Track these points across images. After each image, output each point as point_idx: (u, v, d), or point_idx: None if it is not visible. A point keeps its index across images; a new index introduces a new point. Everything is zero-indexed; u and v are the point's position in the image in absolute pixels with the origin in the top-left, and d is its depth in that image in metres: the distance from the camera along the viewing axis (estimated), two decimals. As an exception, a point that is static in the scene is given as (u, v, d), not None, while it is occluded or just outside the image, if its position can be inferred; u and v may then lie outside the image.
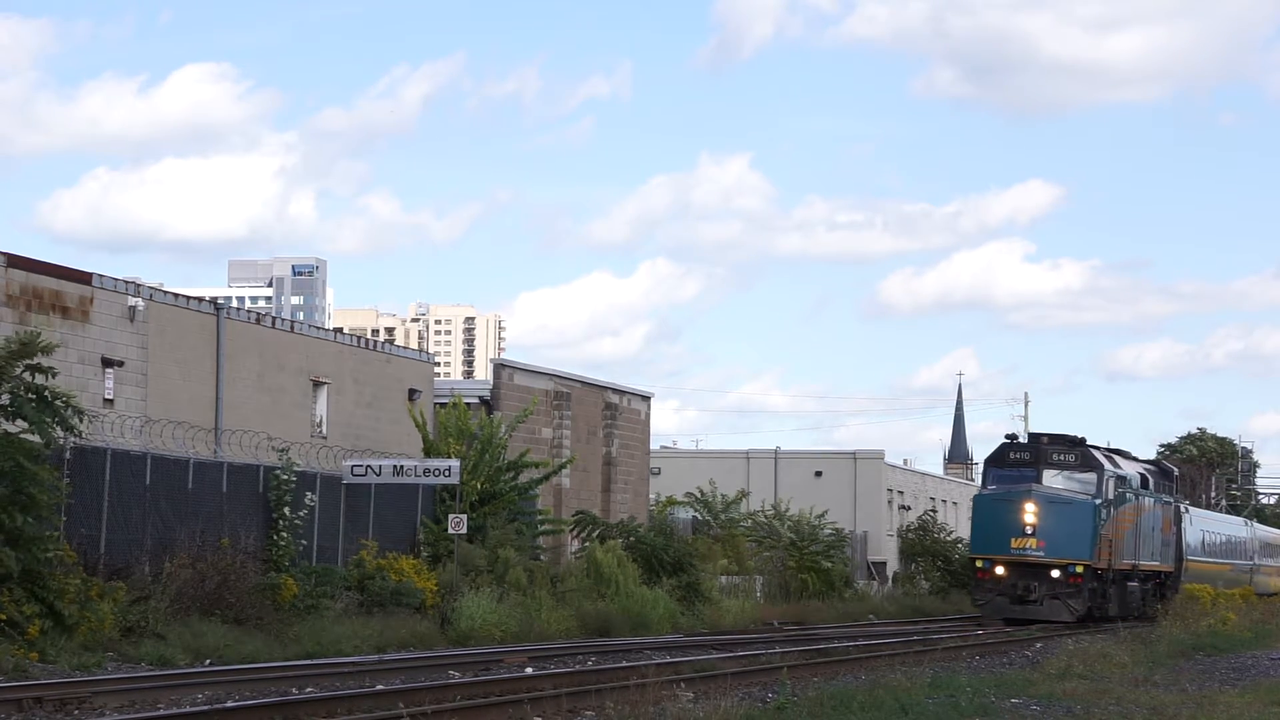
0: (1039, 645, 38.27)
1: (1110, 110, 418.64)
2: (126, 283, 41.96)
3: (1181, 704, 23.26)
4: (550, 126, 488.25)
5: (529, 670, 26.52)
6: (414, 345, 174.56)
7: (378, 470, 40.66)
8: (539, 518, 48.77)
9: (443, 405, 48.48)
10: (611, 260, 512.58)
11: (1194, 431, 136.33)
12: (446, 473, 40.56)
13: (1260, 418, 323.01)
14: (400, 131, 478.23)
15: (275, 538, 37.21)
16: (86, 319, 39.71)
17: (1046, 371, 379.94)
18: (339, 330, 57.27)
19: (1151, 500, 58.60)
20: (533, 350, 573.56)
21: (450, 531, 40.59)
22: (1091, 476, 52.11)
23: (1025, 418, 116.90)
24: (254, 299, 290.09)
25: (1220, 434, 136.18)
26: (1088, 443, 53.50)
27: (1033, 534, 50.74)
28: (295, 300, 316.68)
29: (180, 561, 32.80)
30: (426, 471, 40.87)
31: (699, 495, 66.73)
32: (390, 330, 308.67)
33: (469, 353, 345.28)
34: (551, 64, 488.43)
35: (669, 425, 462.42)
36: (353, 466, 40.77)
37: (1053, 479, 52.06)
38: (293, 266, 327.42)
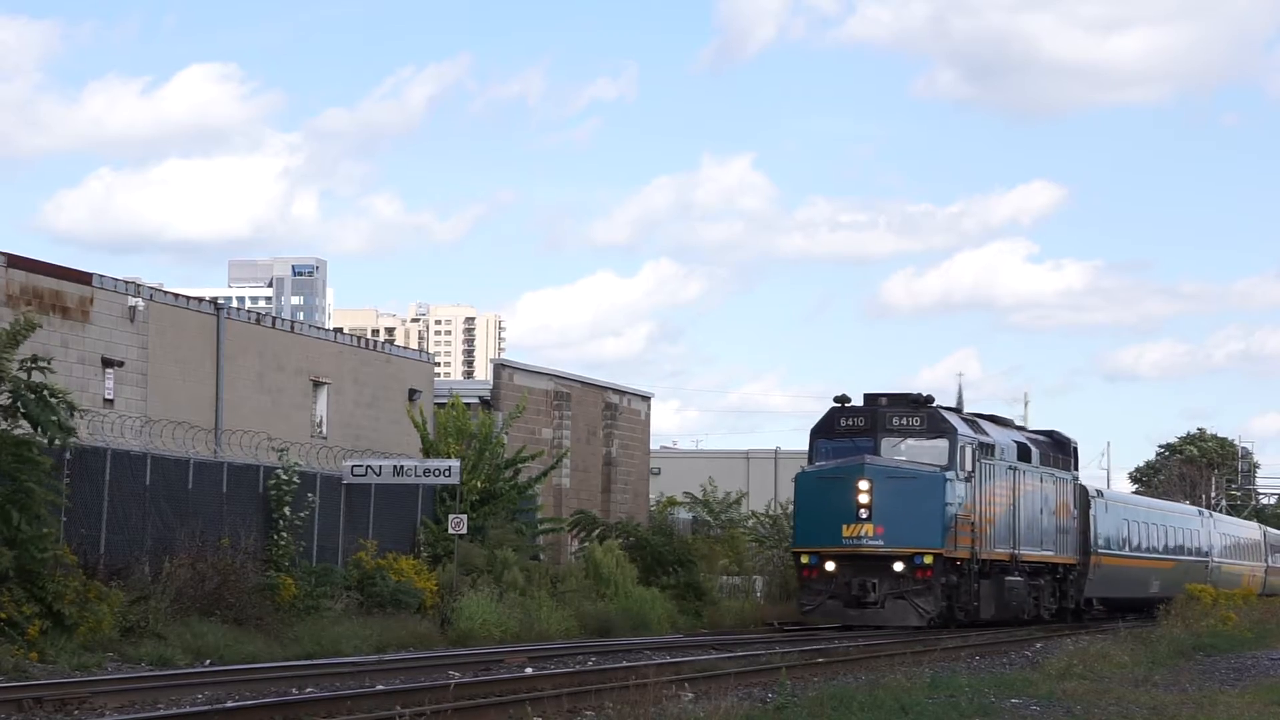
0: (1039, 645, 38.27)
1: (1112, 111, 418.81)
2: (126, 283, 41.95)
3: (1182, 704, 23.25)
4: (555, 128, 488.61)
5: (529, 670, 26.53)
6: (414, 345, 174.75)
7: (378, 470, 40.67)
8: (538, 517, 48.75)
9: (442, 405, 48.48)
10: (615, 260, 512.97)
11: (1194, 432, 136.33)
12: (446, 473, 40.57)
13: (1261, 418, 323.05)
14: (404, 132, 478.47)
15: (275, 538, 37.20)
16: (86, 319, 39.70)
17: (1047, 372, 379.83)
18: (339, 330, 57.27)
19: (1038, 476, 49.78)
20: (535, 350, 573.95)
21: (450, 531, 40.58)
22: (942, 444, 43.09)
23: (1025, 417, 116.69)
24: (254, 299, 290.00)
25: (1221, 434, 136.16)
26: (937, 403, 44.66)
27: (868, 518, 41.90)
28: (295, 300, 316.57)
29: (180, 562, 32.79)
30: (426, 472, 40.89)
31: (699, 495, 66.75)
32: (390, 330, 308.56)
33: (469, 353, 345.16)
34: (556, 66, 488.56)
35: (669, 425, 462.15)
36: (353, 466, 40.77)
37: (893, 449, 43.15)
38: (293, 267, 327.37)
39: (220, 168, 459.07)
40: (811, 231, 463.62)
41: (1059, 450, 53.09)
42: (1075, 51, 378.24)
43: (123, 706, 20.89)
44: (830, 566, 42.31)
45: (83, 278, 39.97)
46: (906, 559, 41.97)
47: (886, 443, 43.16)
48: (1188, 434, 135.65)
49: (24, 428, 28.68)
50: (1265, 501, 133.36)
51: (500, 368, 56.56)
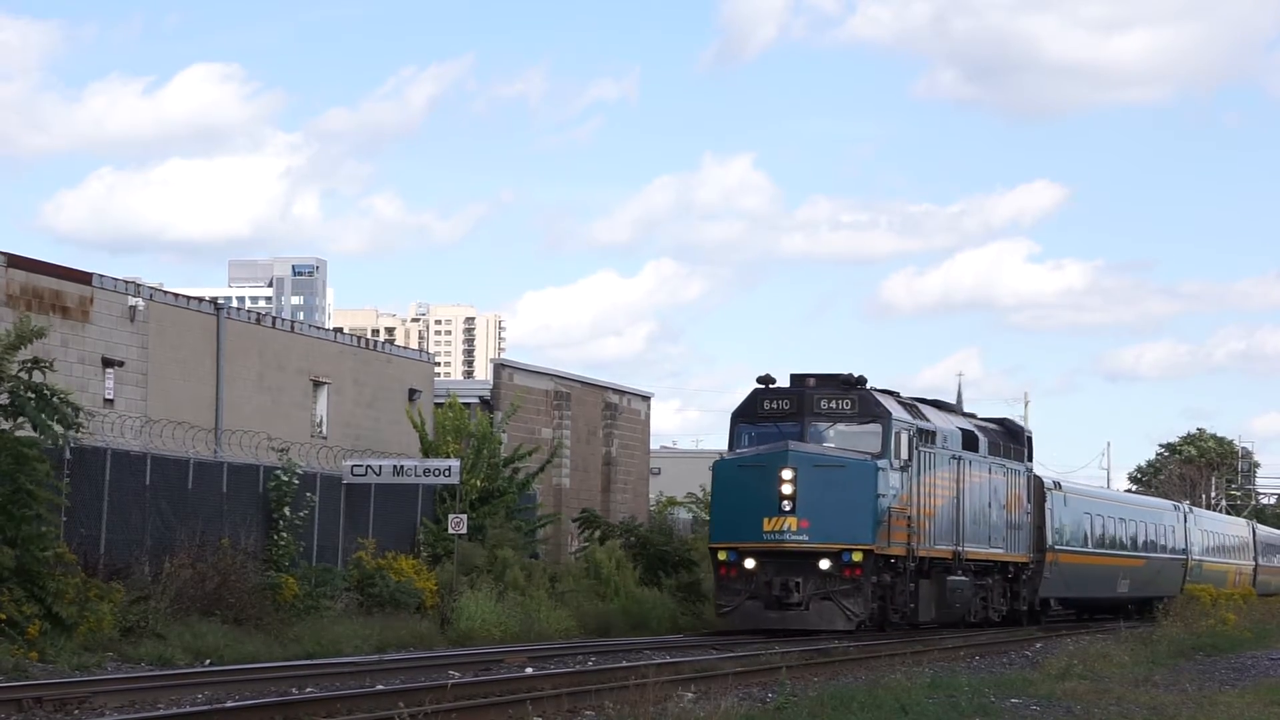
0: (1039, 645, 38.29)
1: (1113, 111, 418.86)
2: (126, 283, 41.95)
3: (1181, 704, 23.26)
4: (556, 128, 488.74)
5: (529, 670, 26.53)
6: (414, 345, 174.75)
7: (378, 470, 40.69)
8: (537, 516, 48.73)
9: (442, 405, 48.49)
10: (616, 260, 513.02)
11: (1194, 432, 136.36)
12: (446, 472, 40.59)
13: (1261, 418, 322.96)
14: (406, 132, 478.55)
15: (275, 538, 37.21)
16: (86, 319, 39.69)
17: (1048, 372, 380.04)
18: (339, 330, 57.27)
19: (986, 467, 45.73)
20: (536, 350, 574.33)
21: (450, 531, 40.58)
22: (874, 429, 39.16)
23: (1025, 417, 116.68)
24: (254, 299, 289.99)
25: (1220, 434, 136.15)
26: (870, 385, 40.35)
27: (791, 511, 37.80)
28: (295, 300, 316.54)
29: (180, 561, 32.80)
30: (426, 471, 40.91)
31: (699, 495, 66.75)
32: (390, 330, 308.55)
33: (469, 353, 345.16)
34: (558, 66, 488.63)
35: (669, 425, 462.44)
36: (353, 466, 40.78)
37: (821, 434, 39.12)
38: (293, 266, 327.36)
39: (221, 168, 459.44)
40: (812, 231, 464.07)
41: (1011, 439, 49.18)
42: (1076, 51, 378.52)
43: (123, 706, 20.89)
44: (750, 564, 38.13)
45: (83, 277, 39.97)
46: (833, 556, 37.88)
47: (814, 428, 38.97)
48: (1187, 434, 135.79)
49: (25, 428, 28.68)
50: (1265, 501, 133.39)
51: (500, 368, 56.56)
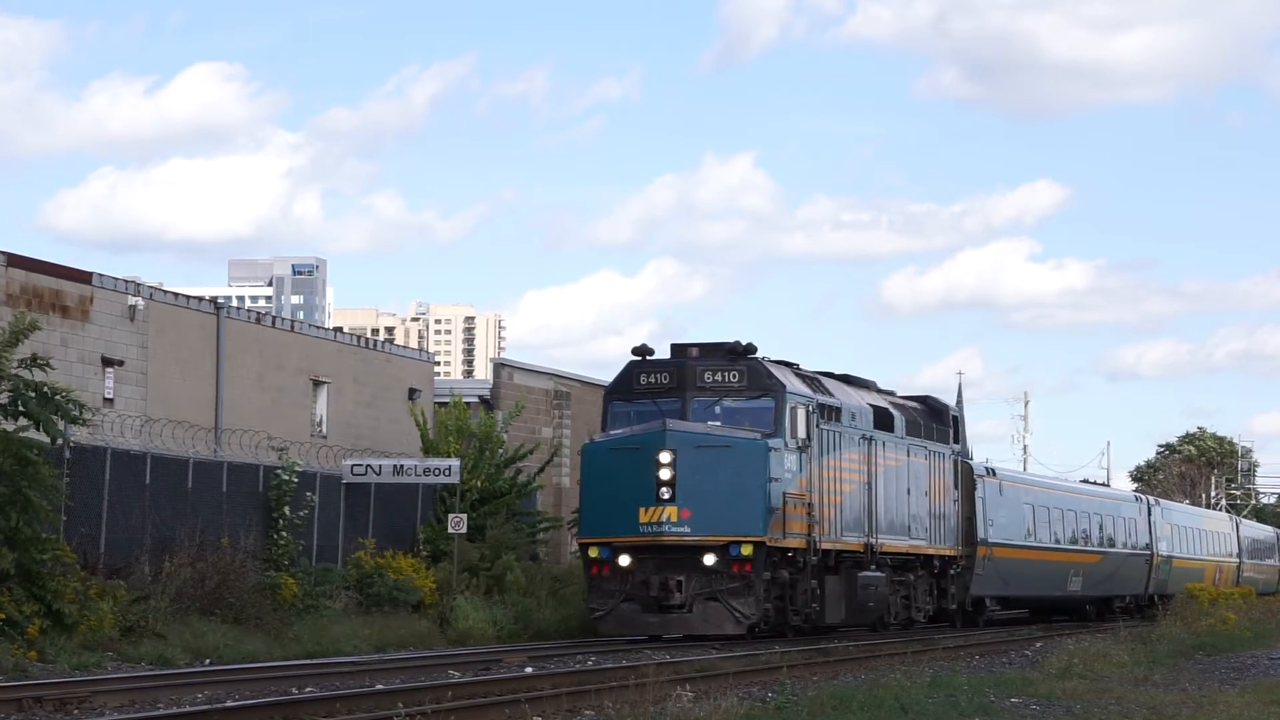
0: (1039, 645, 38.27)
1: (1115, 111, 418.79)
2: (126, 282, 41.96)
3: (1181, 704, 23.25)
4: (558, 127, 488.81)
5: (529, 670, 26.52)
6: (414, 345, 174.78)
7: (378, 470, 40.70)
8: (537, 517, 48.73)
9: (443, 405, 48.49)
10: (617, 260, 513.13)
11: (1194, 431, 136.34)
12: (446, 472, 40.59)
13: (1262, 417, 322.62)
14: (407, 131, 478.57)
15: (275, 537, 37.23)
16: (86, 318, 39.70)
17: (1049, 371, 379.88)
18: (339, 330, 57.28)
19: (904, 449, 41.24)
20: (537, 349, 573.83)
21: (450, 531, 40.58)
22: (766, 404, 34.66)
23: (1025, 417, 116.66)
24: (254, 298, 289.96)
25: (1221, 433, 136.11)
26: (761, 355, 35.74)
27: (671, 499, 33.47)
28: (295, 300, 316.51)
29: (180, 561, 32.82)
30: (426, 471, 40.91)
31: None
32: (390, 330, 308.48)
33: (469, 352, 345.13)
34: (560, 66, 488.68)
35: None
36: (353, 466, 40.80)
37: (706, 411, 34.65)
38: (293, 266, 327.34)
39: (223, 167, 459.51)
40: (813, 231, 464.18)
41: (934, 419, 44.19)
42: (1078, 51, 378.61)
43: (123, 706, 20.88)
44: (625, 561, 33.84)
45: (82, 277, 39.98)
46: (719, 550, 33.59)
47: (697, 404, 34.60)
48: (1187, 433, 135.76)
49: (19, 425, 28.67)
50: (1265, 501, 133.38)
51: (500, 367, 56.57)
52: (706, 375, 34.83)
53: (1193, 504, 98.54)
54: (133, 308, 41.03)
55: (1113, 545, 57.57)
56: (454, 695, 21.18)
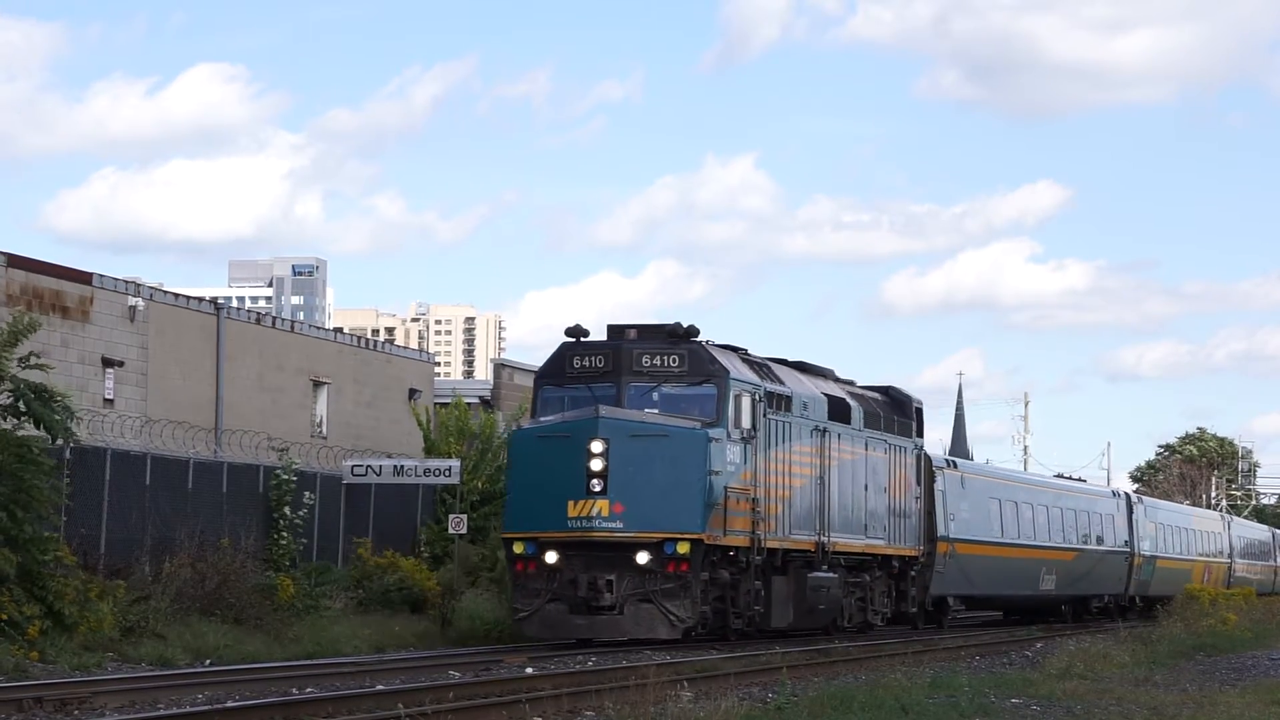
0: (1039, 645, 38.27)
1: (1116, 112, 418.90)
2: (127, 282, 41.99)
3: (1182, 704, 23.25)
4: (560, 128, 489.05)
5: (529, 670, 26.51)
6: (414, 345, 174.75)
7: (378, 470, 40.68)
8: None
9: (443, 405, 48.52)
10: (618, 260, 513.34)
11: (1194, 431, 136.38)
12: (447, 473, 40.57)
13: (1262, 418, 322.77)
14: (409, 132, 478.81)
15: (275, 537, 37.24)
16: (87, 319, 39.72)
17: (1049, 372, 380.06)
18: (339, 330, 57.31)
19: (861, 441, 38.68)
20: (538, 350, 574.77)
21: (451, 531, 40.57)
22: (708, 391, 32.33)
23: (1025, 418, 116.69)
24: (254, 299, 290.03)
25: (1221, 434, 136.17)
26: (703, 338, 33.37)
27: (602, 492, 31.17)
28: (295, 300, 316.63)
29: (180, 561, 32.81)
30: (427, 471, 40.88)
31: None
32: (390, 330, 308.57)
33: (469, 353, 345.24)
34: (563, 67, 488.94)
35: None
36: (353, 466, 40.79)
37: (641, 398, 32.40)
38: (293, 266, 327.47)
39: (224, 168, 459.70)
40: (814, 231, 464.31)
41: (895, 410, 41.60)
42: (1079, 52, 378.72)
43: (123, 706, 20.88)
44: (552, 558, 31.52)
45: (83, 277, 40.00)
46: (653, 547, 31.27)
47: (634, 390, 32.28)
48: (1187, 434, 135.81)
49: (25, 427, 28.68)
50: (1265, 501, 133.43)
51: (500, 367, 56.63)
52: (644, 359, 32.52)
53: (1193, 504, 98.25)
54: (133, 308, 41.05)
55: (1088, 542, 54.95)
56: (454, 695, 21.19)
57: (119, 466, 33.80)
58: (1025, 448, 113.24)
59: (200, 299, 45.93)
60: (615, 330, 33.21)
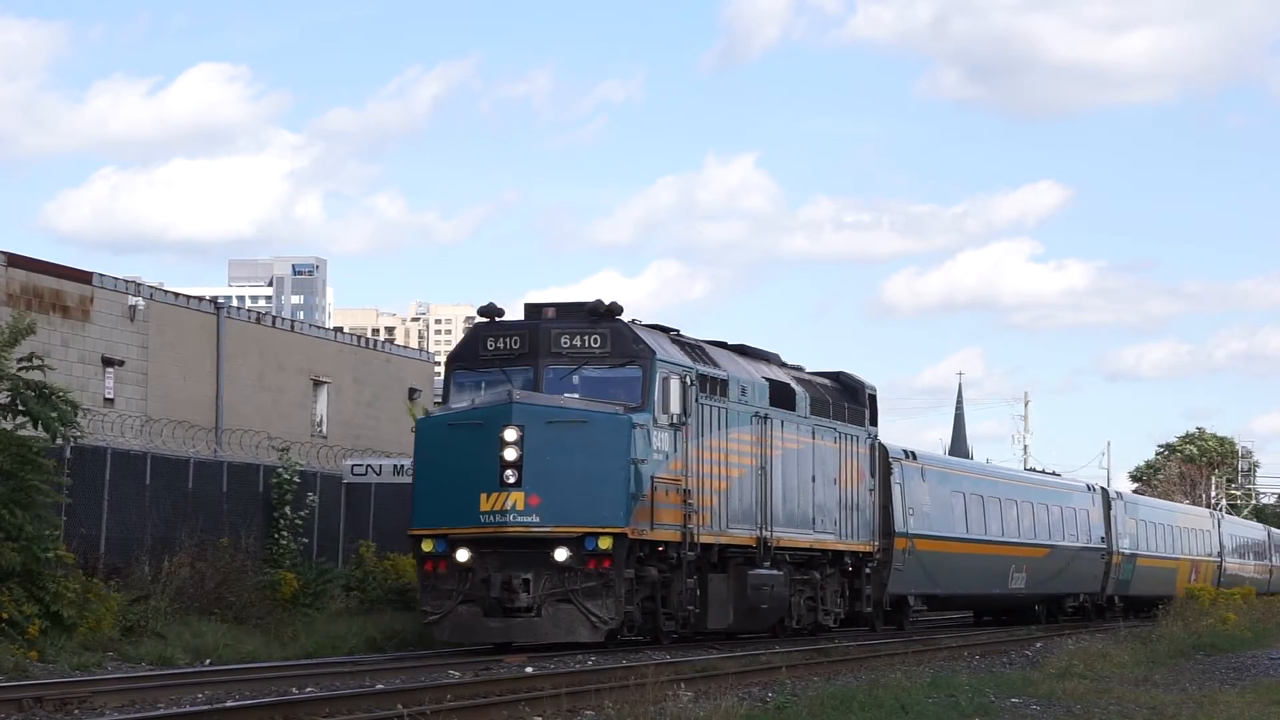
0: (1039, 645, 38.27)
1: (1116, 112, 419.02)
2: (127, 282, 42.02)
3: (1182, 703, 23.26)
4: (561, 129, 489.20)
5: (529, 670, 26.50)
6: (414, 345, 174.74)
7: (378, 470, 40.69)
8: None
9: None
10: (619, 260, 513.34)
11: (1193, 431, 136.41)
12: (446, 472, 40.53)
13: (1263, 418, 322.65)
14: (409, 132, 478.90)
15: (275, 537, 37.24)
16: (87, 318, 39.73)
17: (1049, 372, 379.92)
18: (339, 330, 57.32)
19: (808, 429, 36.43)
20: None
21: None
22: (632, 374, 30.05)
23: (1025, 417, 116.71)
24: (254, 299, 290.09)
25: (1221, 434, 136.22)
26: (627, 317, 31.05)
27: (517, 483, 28.84)
28: (295, 300, 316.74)
29: (180, 561, 32.82)
30: (426, 471, 40.83)
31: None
32: (390, 330, 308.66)
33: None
34: (564, 67, 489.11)
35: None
36: (353, 466, 40.79)
37: (560, 381, 30.09)
38: (293, 266, 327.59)
39: (225, 168, 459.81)
40: (815, 231, 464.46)
41: (846, 397, 39.11)
42: (1079, 52, 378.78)
43: (123, 706, 20.88)
44: (463, 556, 29.21)
45: (83, 277, 40.01)
46: (573, 543, 29.01)
47: (552, 373, 30.04)
48: (1187, 433, 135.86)
49: (27, 427, 28.70)
50: (1265, 501, 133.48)
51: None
52: (563, 340, 30.16)
53: (1194, 504, 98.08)
54: (133, 308, 41.07)
55: (1062, 539, 52.67)
56: (454, 695, 21.19)
57: (119, 466, 33.81)
58: (1025, 447, 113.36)
59: (200, 299, 45.95)
60: (533, 309, 30.97)
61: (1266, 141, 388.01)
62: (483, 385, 30.38)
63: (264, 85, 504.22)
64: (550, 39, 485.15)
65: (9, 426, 28.41)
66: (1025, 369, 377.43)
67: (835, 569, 38.09)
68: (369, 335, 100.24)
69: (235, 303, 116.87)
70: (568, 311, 30.66)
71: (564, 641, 29.19)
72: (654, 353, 30.35)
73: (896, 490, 41.66)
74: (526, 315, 30.90)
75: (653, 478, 29.84)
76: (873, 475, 39.85)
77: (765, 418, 34.31)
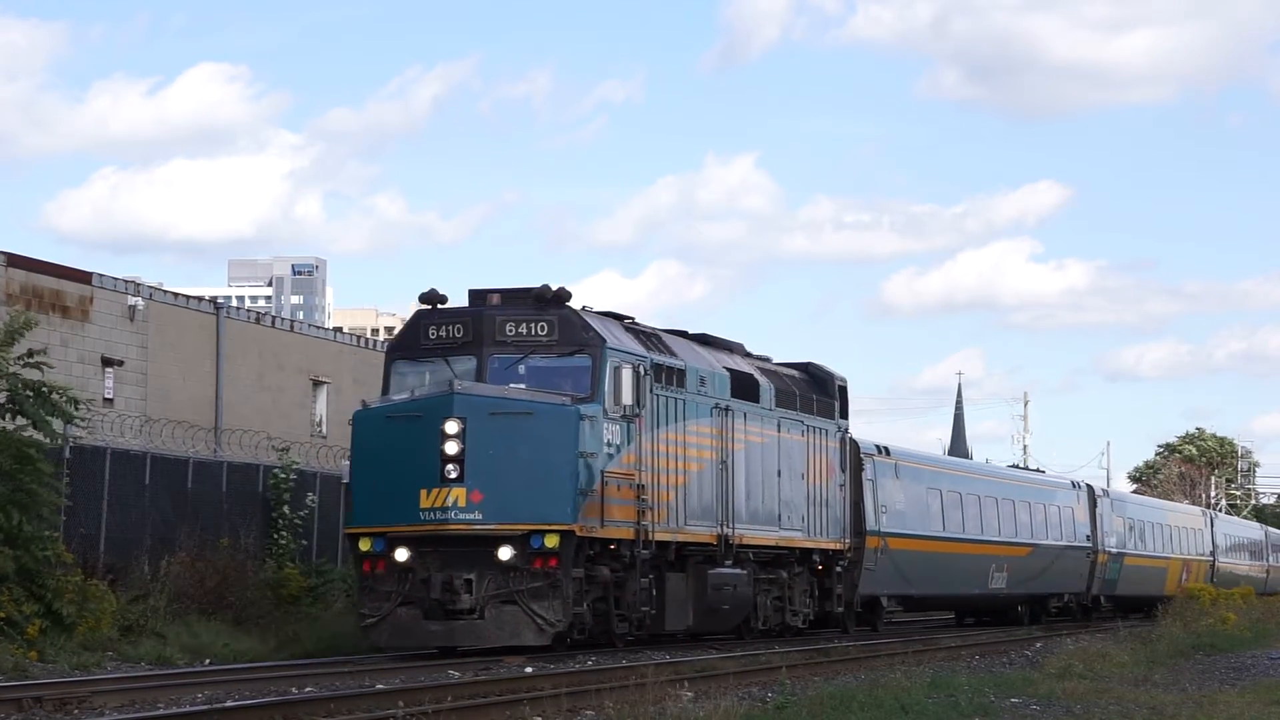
0: (1039, 645, 38.28)
1: (1117, 111, 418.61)
2: (126, 282, 42.02)
3: (1181, 703, 23.26)
4: (561, 129, 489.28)
5: (529, 670, 26.51)
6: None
7: (377, 470, 40.64)
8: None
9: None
10: (619, 261, 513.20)
11: (1193, 431, 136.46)
12: (446, 472, 40.51)
13: (1263, 418, 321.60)
14: (410, 132, 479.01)
15: (275, 537, 37.23)
16: (86, 318, 39.74)
17: (1049, 372, 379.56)
18: (339, 329, 57.30)
19: (773, 422, 35.05)
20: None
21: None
22: (580, 363, 28.73)
23: (1025, 417, 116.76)
24: (254, 298, 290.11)
25: (1221, 434, 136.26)
26: (576, 303, 29.64)
27: (458, 478, 27.42)
28: (295, 300, 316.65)
29: (180, 561, 32.82)
30: (426, 471, 40.81)
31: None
32: (390, 330, 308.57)
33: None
34: (565, 68, 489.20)
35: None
36: (353, 466, 40.75)
37: (505, 371, 28.70)
38: (292, 266, 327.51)
39: (225, 168, 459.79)
40: (815, 231, 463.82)
41: (815, 389, 37.65)
42: (1079, 52, 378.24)
43: (122, 706, 20.89)
44: (403, 556, 27.83)
45: (82, 277, 40.01)
46: (518, 541, 27.53)
47: (497, 362, 28.64)
48: (1187, 434, 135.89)
49: (26, 427, 28.70)
50: (1265, 501, 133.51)
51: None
52: (509, 327, 28.71)
53: (1193, 504, 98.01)
54: (133, 308, 41.06)
55: (1045, 538, 51.06)
56: (454, 695, 21.19)
57: (119, 466, 33.81)
58: (1025, 447, 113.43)
59: (200, 298, 45.95)
60: (477, 295, 29.49)
61: (1266, 141, 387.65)
62: (425, 376, 29.12)
63: (264, 85, 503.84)
64: (550, 39, 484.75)
65: (9, 426, 28.42)
66: (1025, 369, 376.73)
67: (804, 568, 36.77)
68: (369, 335, 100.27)
69: (235, 303, 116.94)
70: (513, 298, 29.21)
71: (508, 645, 27.84)
72: (604, 340, 28.90)
73: (868, 486, 40.32)
74: (471, 302, 29.55)
75: (603, 472, 28.47)
76: (843, 470, 38.40)
77: (726, 409, 32.95)
